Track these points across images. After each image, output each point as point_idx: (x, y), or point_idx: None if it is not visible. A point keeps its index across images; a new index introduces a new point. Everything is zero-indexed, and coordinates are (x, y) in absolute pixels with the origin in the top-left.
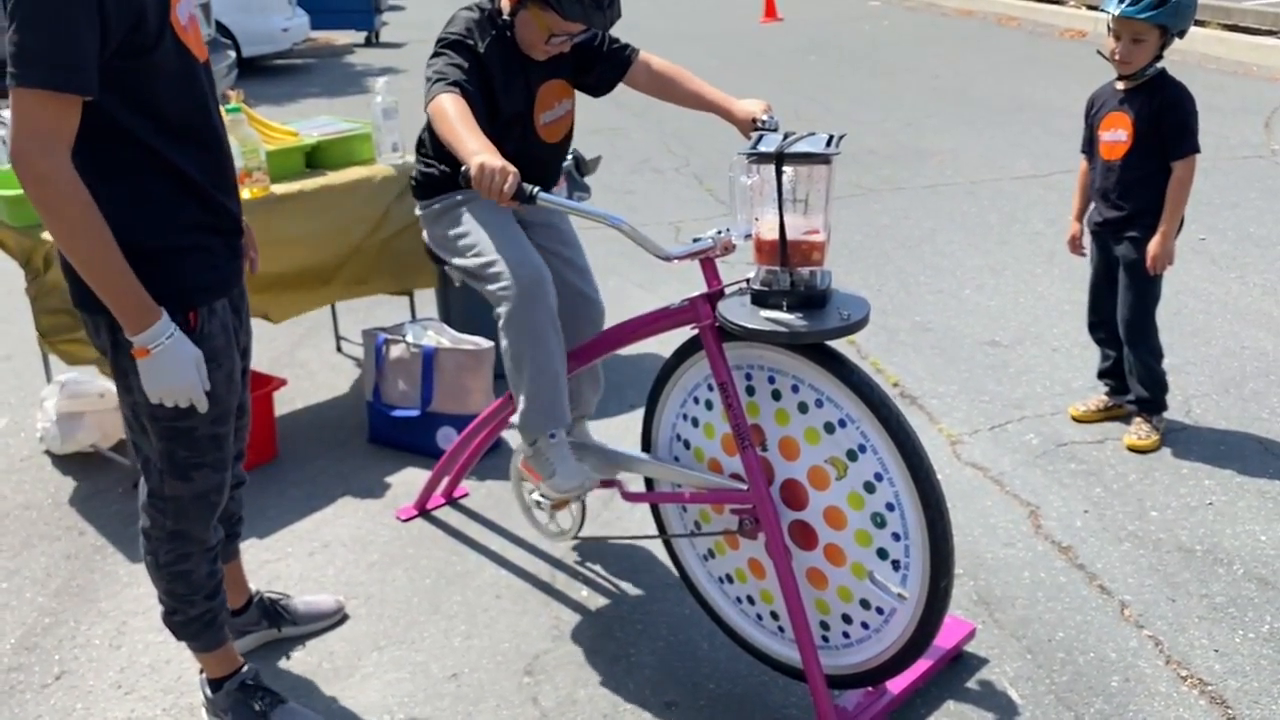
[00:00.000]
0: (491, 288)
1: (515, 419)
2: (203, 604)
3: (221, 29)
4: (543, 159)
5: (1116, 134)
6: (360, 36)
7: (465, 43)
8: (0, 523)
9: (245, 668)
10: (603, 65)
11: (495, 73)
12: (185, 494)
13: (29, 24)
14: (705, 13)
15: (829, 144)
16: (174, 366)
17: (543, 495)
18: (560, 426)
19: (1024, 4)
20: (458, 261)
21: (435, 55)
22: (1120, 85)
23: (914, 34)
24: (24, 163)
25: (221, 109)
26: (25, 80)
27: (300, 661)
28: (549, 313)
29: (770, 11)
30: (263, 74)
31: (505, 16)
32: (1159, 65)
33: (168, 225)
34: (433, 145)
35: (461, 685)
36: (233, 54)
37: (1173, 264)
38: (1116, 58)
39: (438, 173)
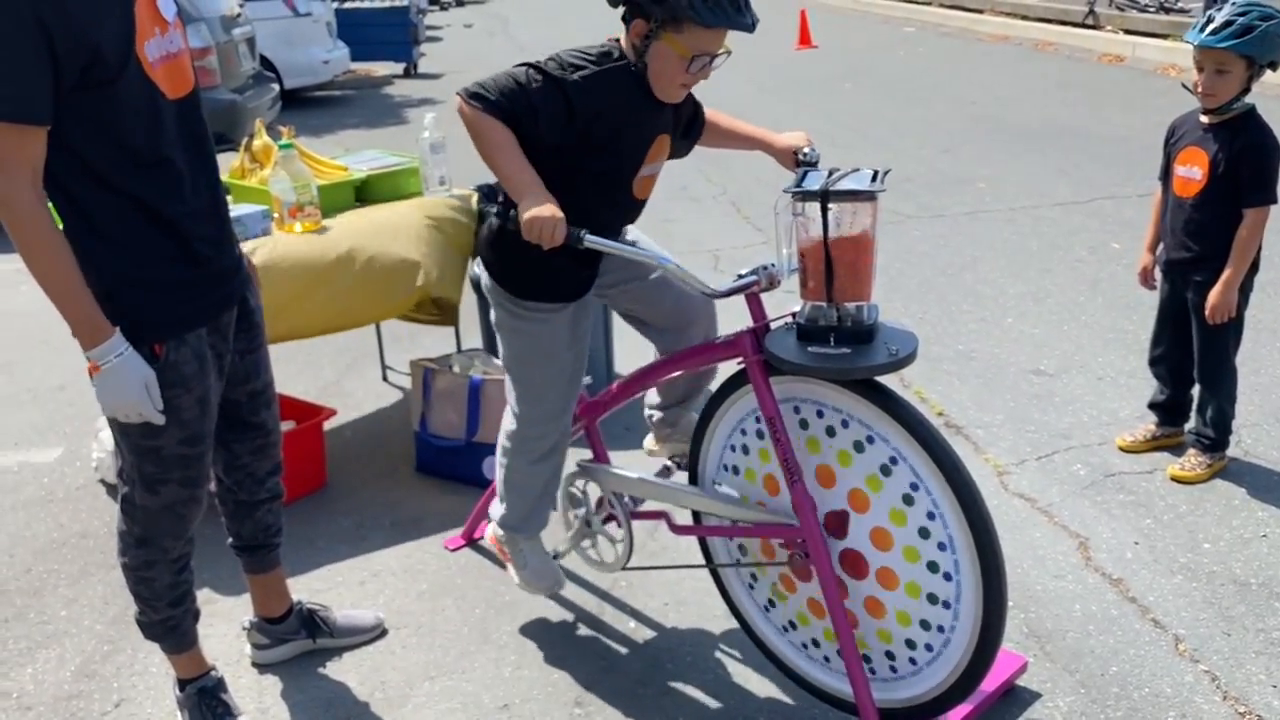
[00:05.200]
0: (513, 409)
1: (493, 512)
2: (165, 610)
3: (264, 62)
4: (626, 212)
5: (1191, 170)
6: (399, 68)
7: (556, 78)
8: (58, 551)
9: (211, 674)
10: (695, 127)
11: (603, 121)
12: (153, 505)
13: None
14: (739, 39)
15: (874, 180)
16: (121, 384)
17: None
18: (537, 533)
19: (1061, 29)
20: (504, 360)
21: (515, 68)
22: (1205, 118)
23: (950, 60)
24: None
25: (270, 138)
26: None
27: (355, 691)
28: (557, 463)
29: (805, 39)
30: (304, 105)
31: (635, 62)
32: (1247, 101)
33: (128, 259)
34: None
35: (513, 716)
36: (276, 87)
37: (1234, 315)
38: (1199, 90)
39: (520, 270)
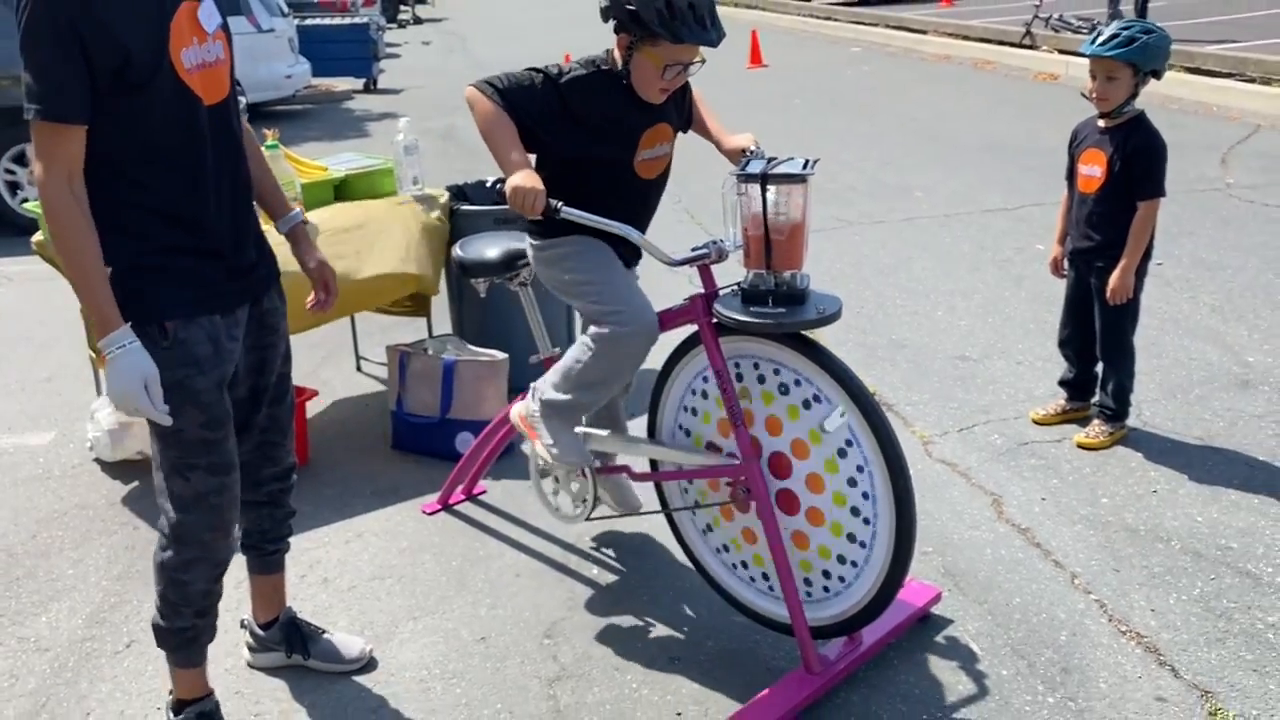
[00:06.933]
0: (609, 322)
1: (544, 394)
2: (190, 618)
3: None
4: (641, 193)
5: (1092, 169)
6: (359, 83)
7: (552, 77)
8: (60, 520)
9: (209, 697)
10: (689, 109)
11: (592, 115)
12: (186, 493)
13: (25, 64)
14: None
15: (805, 166)
16: (123, 375)
17: (541, 456)
18: (573, 422)
19: (999, 49)
20: (579, 304)
21: (523, 70)
22: (1102, 122)
23: (894, 78)
24: (36, 181)
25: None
26: (26, 113)
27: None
28: (643, 356)
29: (756, 58)
30: (267, 119)
31: (620, 67)
32: (1137, 106)
33: (136, 248)
34: (553, 186)
35: (489, 646)
36: (243, 99)
37: (1131, 297)
38: (1094, 95)
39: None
